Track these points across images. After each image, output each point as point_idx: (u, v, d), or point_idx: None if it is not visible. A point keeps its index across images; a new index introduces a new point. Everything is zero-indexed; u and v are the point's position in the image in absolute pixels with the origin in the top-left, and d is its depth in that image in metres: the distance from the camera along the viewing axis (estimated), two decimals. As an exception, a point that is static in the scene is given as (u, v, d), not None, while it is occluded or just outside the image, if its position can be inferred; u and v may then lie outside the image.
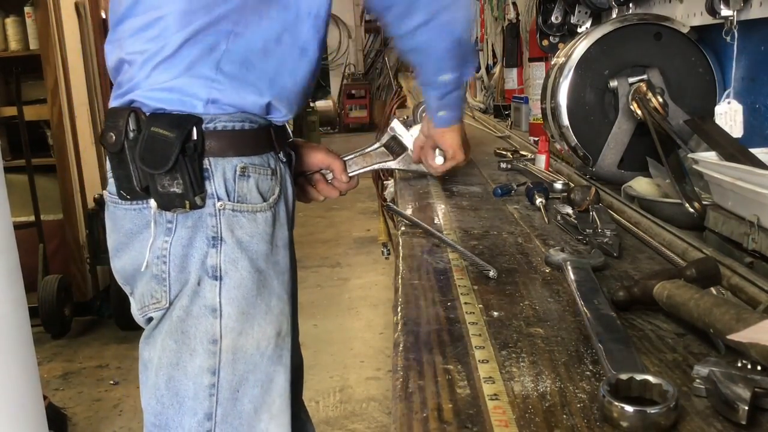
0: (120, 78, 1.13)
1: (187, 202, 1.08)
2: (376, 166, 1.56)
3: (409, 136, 1.58)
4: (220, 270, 1.10)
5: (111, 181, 1.14)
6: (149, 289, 1.13)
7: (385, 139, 1.56)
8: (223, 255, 1.10)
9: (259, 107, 1.14)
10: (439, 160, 1.49)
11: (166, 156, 1.06)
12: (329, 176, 1.43)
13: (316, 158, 1.40)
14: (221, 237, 1.10)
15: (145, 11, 1.09)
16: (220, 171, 1.10)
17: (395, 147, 1.57)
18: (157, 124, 1.07)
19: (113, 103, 1.13)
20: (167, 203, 1.09)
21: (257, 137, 1.16)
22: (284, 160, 1.23)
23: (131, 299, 1.19)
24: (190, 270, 1.10)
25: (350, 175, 1.44)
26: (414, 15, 1.20)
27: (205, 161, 1.10)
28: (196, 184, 1.08)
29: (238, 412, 1.14)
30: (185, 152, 1.07)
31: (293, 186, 1.26)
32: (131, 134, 1.08)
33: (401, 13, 1.21)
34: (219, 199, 1.10)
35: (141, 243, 1.12)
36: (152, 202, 1.10)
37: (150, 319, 1.15)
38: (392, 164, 1.59)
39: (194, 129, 1.08)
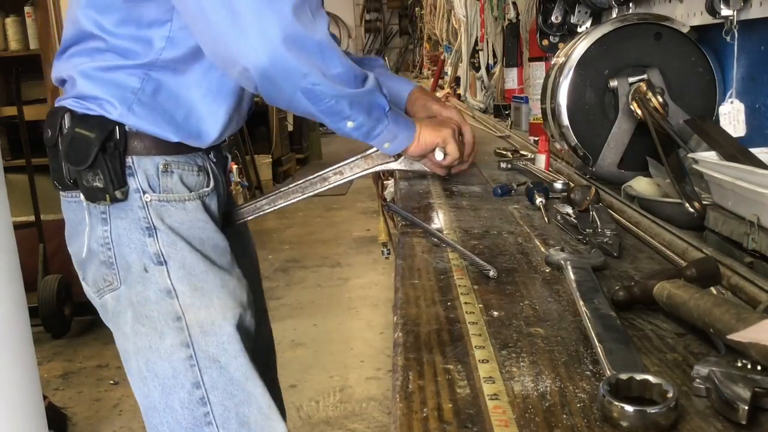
0: (64, 88, 1.28)
1: (107, 196, 1.20)
2: (378, 168, 1.56)
3: None
4: (163, 255, 1.21)
5: None
6: (101, 273, 1.24)
7: None
8: (161, 241, 1.21)
9: (172, 140, 1.24)
10: (438, 155, 1.48)
11: (87, 154, 1.18)
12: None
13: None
14: (154, 226, 1.21)
15: (78, 46, 1.23)
16: (143, 168, 1.22)
17: None
18: (81, 126, 1.20)
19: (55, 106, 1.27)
20: (92, 196, 1.21)
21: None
22: (215, 160, 1.34)
23: (83, 283, 1.30)
24: (133, 259, 1.21)
25: (352, 178, 1.46)
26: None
27: (129, 159, 1.21)
28: (115, 179, 1.19)
29: (227, 379, 1.23)
30: (105, 151, 1.19)
31: (225, 183, 1.38)
32: (65, 131, 1.21)
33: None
34: (144, 192, 1.21)
35: (83, 231, 1.25)
36: (81, 195, 1.22)
37: (105, 301, 1.27)
38: (394, 165, 1.58)
39: (116, 129, 1.20)
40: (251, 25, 1.07)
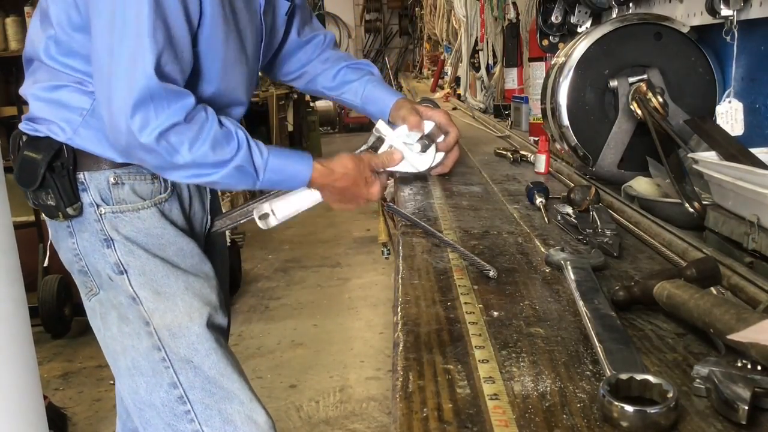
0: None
1: (60, 213, 1.23)
2: None
3: (394, 137, 1.53)
4: (122, 264, 1.24)
5: None
6: (81, 280, 1.30)
7: (371, 140, 1.52)
8: (119, 251, 1.25)
9: (117, 160, 1.24)
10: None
11: (34, 176, 1.21)
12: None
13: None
14: (110, 237, 1.24)
15: (29, 66, 1.29)
16: (95, 183, 1.24)
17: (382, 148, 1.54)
18: (29, 148, 1.23)
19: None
20: (48, 213, 1.25)
21: None
22: None
23: None
24: (99, 268, 1.26)
25: None
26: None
27: (81, 175, 1.24)
28: (66, 197, 1.22)
29: (203, 378, 1.26)
30: (54, 170, 1.22)
31: (191, 186, 1.35)
32: (17, 155, 1.25)
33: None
34: (98, 206, 1.24)
35: (60, 243, 1.31)
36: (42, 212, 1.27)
37: (93, 305, 1.30)
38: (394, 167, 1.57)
39: (64, 148, 1.22)
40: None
